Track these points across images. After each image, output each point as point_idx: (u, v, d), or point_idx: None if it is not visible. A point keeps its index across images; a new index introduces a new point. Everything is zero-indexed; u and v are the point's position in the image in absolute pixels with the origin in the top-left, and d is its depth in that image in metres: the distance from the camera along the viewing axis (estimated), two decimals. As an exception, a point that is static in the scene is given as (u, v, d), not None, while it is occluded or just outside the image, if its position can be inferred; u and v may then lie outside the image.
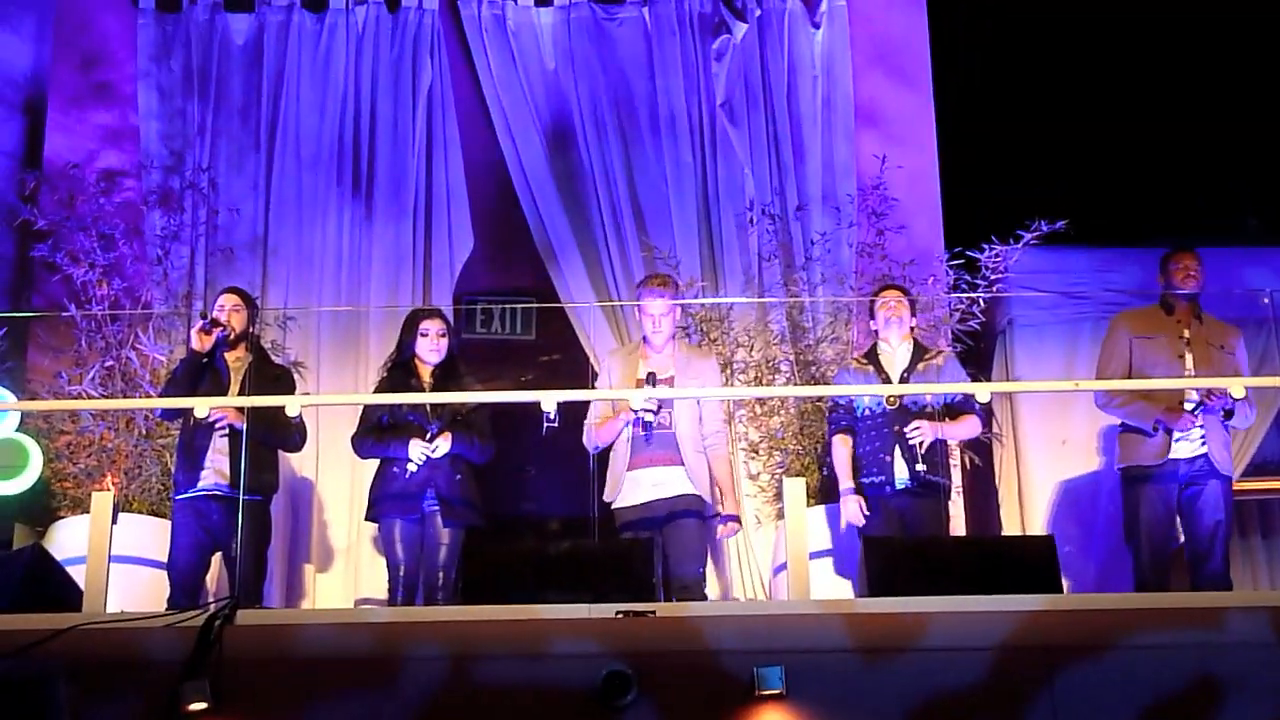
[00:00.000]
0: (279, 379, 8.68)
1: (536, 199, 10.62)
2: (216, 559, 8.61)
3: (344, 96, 10.77)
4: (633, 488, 8.40)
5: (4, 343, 9.53)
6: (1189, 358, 8.50)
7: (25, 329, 10.09)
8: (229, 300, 8.64)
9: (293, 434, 8.54)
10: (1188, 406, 8.34)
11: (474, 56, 10.89)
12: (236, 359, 8.58)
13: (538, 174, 10.66)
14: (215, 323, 8.41)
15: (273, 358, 9.04)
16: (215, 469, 8.32)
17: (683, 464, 8.38)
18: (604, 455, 8.53)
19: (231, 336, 8.51)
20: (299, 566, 9.88)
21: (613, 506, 8.45)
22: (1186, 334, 8.56)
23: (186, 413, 8.31)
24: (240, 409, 8.23)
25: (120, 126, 10.78)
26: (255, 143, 10.68)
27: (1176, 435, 8.32)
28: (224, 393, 8.40)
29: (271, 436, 8.44)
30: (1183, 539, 8.50)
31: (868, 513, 8.38)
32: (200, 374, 8.44)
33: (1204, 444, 8.32)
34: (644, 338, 8.68)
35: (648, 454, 8.38)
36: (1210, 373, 8.41)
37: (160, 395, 8.90)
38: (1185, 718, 6.61)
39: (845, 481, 8.50)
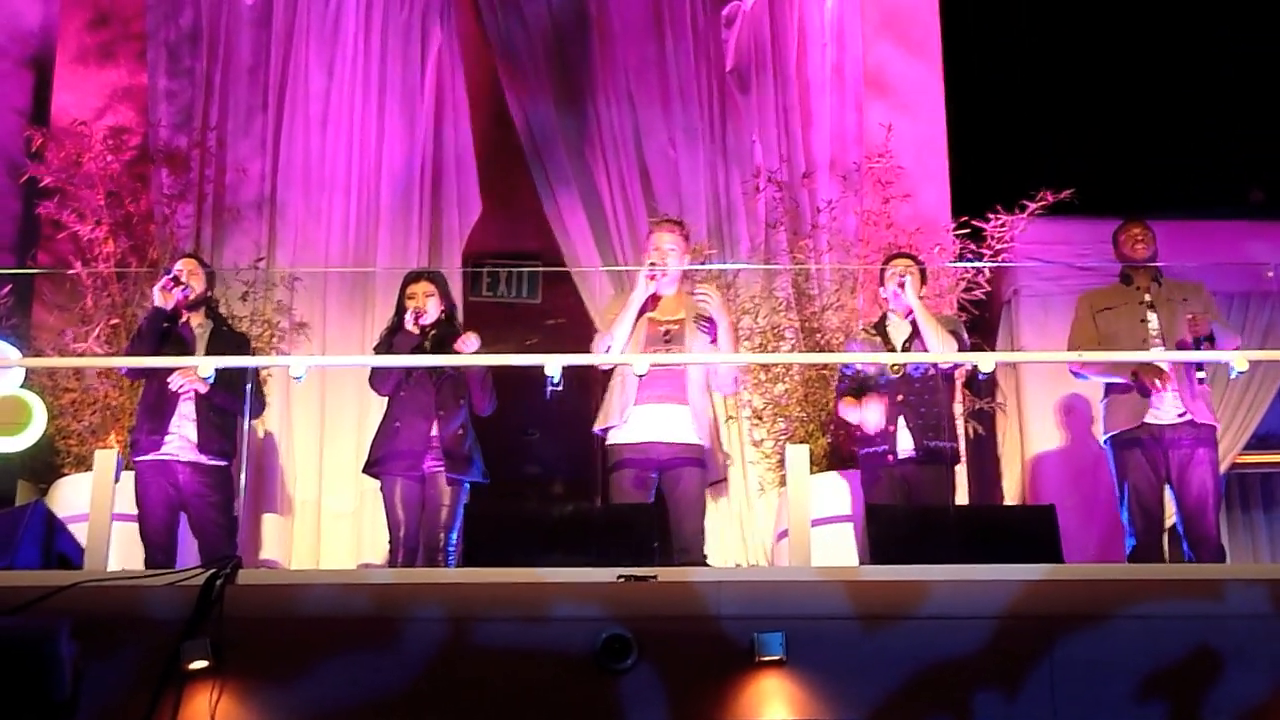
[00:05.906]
0: (240, 346, 8.72)
1: (545, 163, 10.60)
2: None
3: (353, 58, 10.73)
4: (633, 422, 8.24)
5: (10, 299, 9.54)
6: (1153, 317, 8.54)
7: (31, 286, 10.11)
8: (187, 265, 8.67)
9: (253, 401, 8.58)
10: (1163, 365, 8.35)
11: (484, 19, 10.83)
12: (199, 324, 8.61)
13: (546, 138, 10.63)
14: (177, 280, 8.44)
15: (233, 324, 9.07)
16: (180, 434, 8.34)
17: (687, 404, 8.28)
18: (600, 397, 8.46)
19: (193, 296, 8.53)
20: (303, 527, 9.91)
21: (608, 441, 8.34)
22: (1148, 297, 8.62)
23: (151, 373, 8.37)
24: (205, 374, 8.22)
25: (128, 84, 10.77)
26: (263, 102, 10.65)
27: (1158, 396, 8.34)
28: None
29: (232, 401, 8.46)
30: (1174, 511, 8.50)
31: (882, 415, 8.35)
32: (165, 334, 8.45)
33: (1180, 406, 8.34)
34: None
35: (653, 390, 8.23)
36: (1177, 323, 8.43)
37: (127, 352, 8.87)
38: (1183, 688, 6.63)
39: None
